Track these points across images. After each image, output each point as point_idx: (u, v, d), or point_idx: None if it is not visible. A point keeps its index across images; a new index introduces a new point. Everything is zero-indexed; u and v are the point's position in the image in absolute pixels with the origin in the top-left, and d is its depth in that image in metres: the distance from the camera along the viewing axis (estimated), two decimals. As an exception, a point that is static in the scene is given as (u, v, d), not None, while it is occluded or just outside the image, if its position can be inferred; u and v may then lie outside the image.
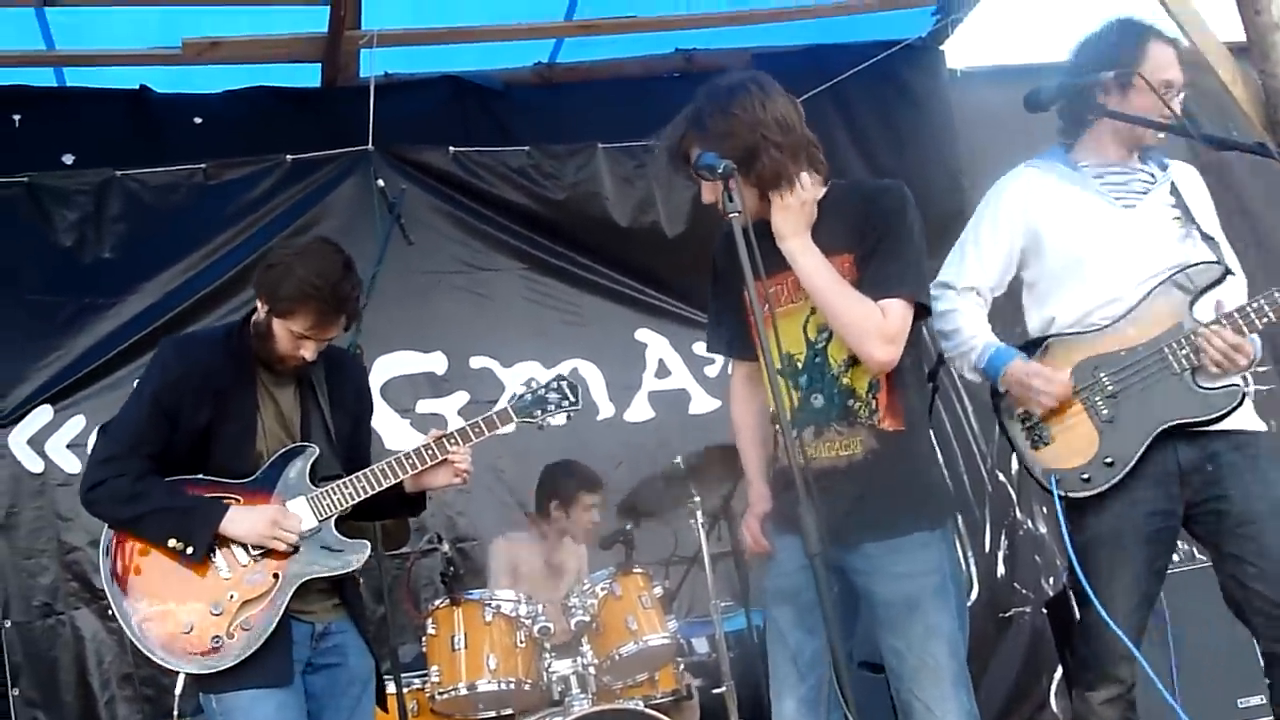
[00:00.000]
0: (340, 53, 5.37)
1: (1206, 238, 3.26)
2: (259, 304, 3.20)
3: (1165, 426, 3.08)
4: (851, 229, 2.89)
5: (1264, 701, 4.22)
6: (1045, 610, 5.39)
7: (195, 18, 5.08)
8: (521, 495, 5.36)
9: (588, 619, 4.35)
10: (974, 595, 5.77)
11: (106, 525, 3.18)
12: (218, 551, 3.13)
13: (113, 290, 5.00)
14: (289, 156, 5.42)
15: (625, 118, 5.80)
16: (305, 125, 5.57)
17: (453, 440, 3.32)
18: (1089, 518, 3.15)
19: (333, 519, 3.23)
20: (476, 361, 5.51)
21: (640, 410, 5.80)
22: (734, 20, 5.80)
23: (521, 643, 4.25)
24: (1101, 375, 3.15)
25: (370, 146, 5.43)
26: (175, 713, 4.36)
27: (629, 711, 4.22)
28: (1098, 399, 3.15)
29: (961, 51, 6.30)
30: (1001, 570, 5.92)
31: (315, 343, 3.19)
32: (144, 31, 5.17)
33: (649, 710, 4.21)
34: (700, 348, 5.84)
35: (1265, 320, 3.05)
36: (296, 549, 3.17)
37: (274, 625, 3.09)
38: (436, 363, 5.54)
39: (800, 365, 2.94)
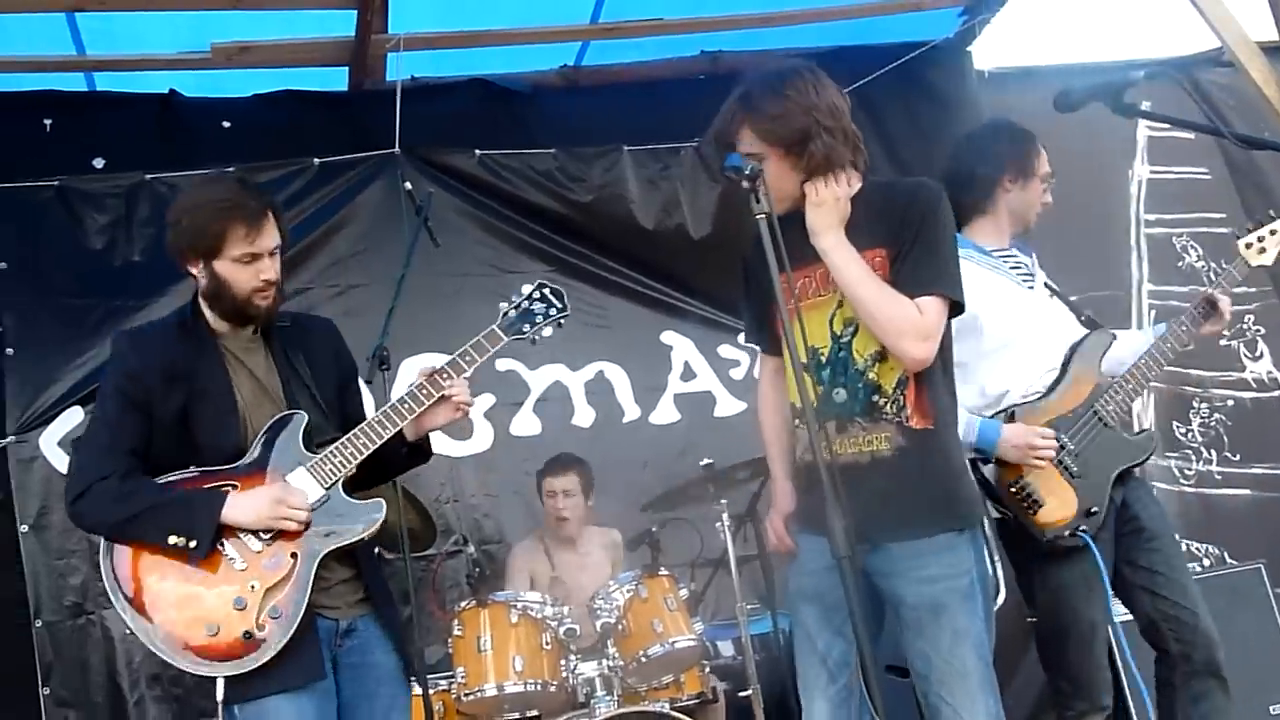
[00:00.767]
0: (368, 56, 5.39)
1: (1068, 303, 3.80)
2: (191, 271, 3.04)
3: (1120, 469, 3.56)
4: (885, 225, 2.89)
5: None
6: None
7: (224, 22, 5.10)
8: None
9: (613, 621, 4.36)
10: (1001, 598, 5.72)
11: (102, 539, 2.96)
12: (226, 543, 2.92)
13: (143, 293, 5.02)
14: (316, 160, 5.44)
15: (651, 120, 5.82)
16: (333, 128, 5.59)
17: (445, 375, 3.18)
18: (1062, 566, 3.52)
19: (339, 483, 3.03)
20: (502, 364, 5.50)
21: (666, 413, 5.79)
22: (760, 22, 5.78)
23: (547, 644, 4.26)
24: (1063, 437, 3.50)
25: (397, 149, 5.45)
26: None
27: (654, 714, 4.23)
28: (1066, 458, 3.50)
29: (989, 52, 6.28)
30: (1030, 573, 5.87)
31: (266, 259, 3.01)
32: (173, 36, 5.19)
33: (674, 713, 4.21)
34: (726, 350, 5.86)
35: (1154, 373, 3.69)
36: (308, 524, 2.97)
37: (304, 607, 2.90)
38: (464, 355, 5.54)
39: (824, 359, 2.93)
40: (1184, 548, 5.29)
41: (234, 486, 2.97)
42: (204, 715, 4.40)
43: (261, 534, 2.95)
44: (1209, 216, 6.54)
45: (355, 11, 5.04)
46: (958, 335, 3.33)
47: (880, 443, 2.86)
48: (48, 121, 5.24)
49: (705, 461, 4.70)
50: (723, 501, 4.65)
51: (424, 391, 3.15)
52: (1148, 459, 3.66)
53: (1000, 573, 5.71)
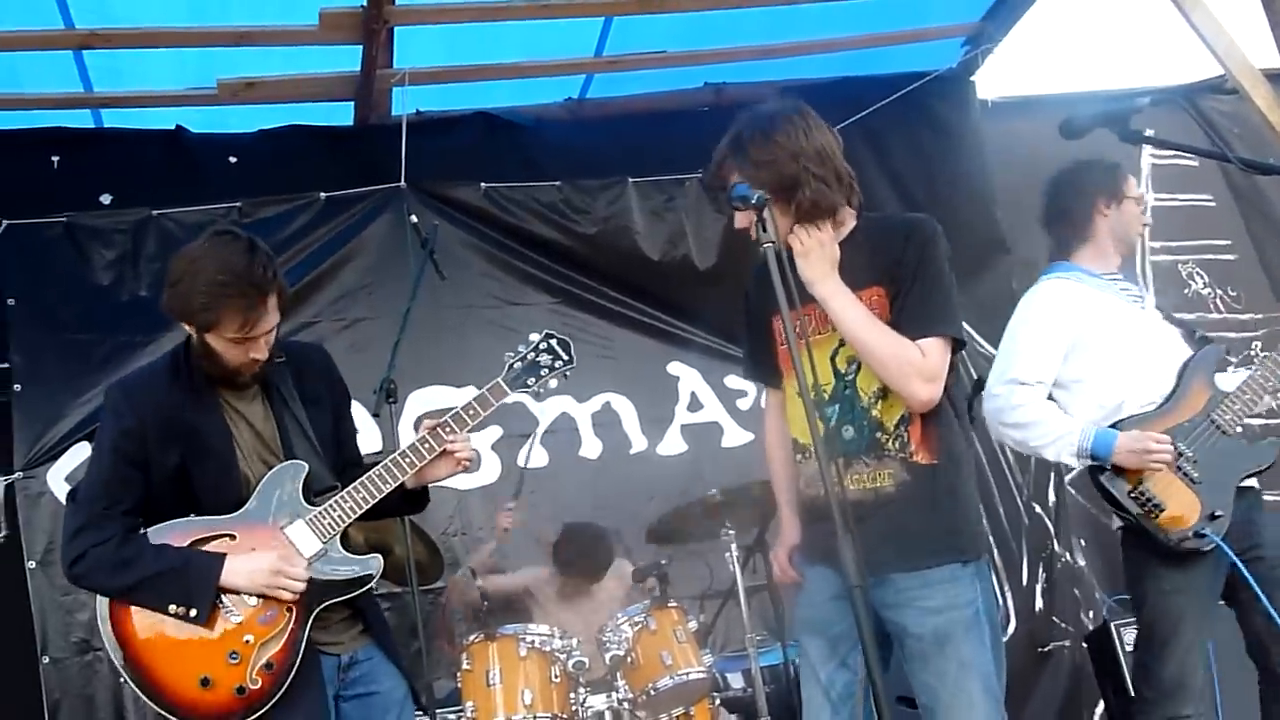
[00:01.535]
0: (373, 91, 5.42)
1: (1180, 325, 3.97)
2: (186, 327, 2.99)
3: (1243, 475, 3.62)
4: (882, 262, 2.89)
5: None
6: (1086, 644, 5.31)
7: (230, 58, 5.13)
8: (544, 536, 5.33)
9: (622, 653, 4.33)
10: (1011, 629, 5.70)
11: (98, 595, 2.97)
12: (222, 596, 2.92)
13: (149, 328, 5.02)
14: (323, 194, 5.46)
15: (655, 152, 5.83)
16: (339, 163, 5.62)
17: (448, 428, 3.14)
18: (1178, 572, 3.55)
19: (337, 537, 3.03)
20: (509, 397, 5.49)
21: (673, 444, 5.77)
22: (763, 54, 5.81)
23: (556, 677, 4.23)
24: (1180, 445, 3.58)
25: (403, 183, 5.48)
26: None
27: (664, 747, 4.19)
28: (1185, 465, 3.58)
29: (992, 82, 6.30)
30: (1040, 604, 5.84)
31: (259, 340, 2.95)
32: (180, 73, 5.24)
33: (684, 746, 4.18)
34: (732, 380, 5.84)
35: (1271, 383, 3.74)
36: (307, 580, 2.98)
37: (298, 661, 2.92)
38: (469, 397, 5.49)
39: (828, 396, 2.92)
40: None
41: (231, 537, 2.97)
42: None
43: None
44: (1214, 243, 6.54)
45: (361, 47, 5.08)
46: (1072, 352, 3.67)
47: (884, 479, 2.86)
48: (55, 158, 5.27)
49: (713, 492, 4.68)
50: (731, 532, 4.62)
51: (426, 445, 3.13)
52: (1270, 466, 3.70)
53: (1011, 604, 5.74)
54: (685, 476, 5.62)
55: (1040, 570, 5.87)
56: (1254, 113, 4.82)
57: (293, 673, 2.91)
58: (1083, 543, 5.93)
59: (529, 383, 3.36)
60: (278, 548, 2.99)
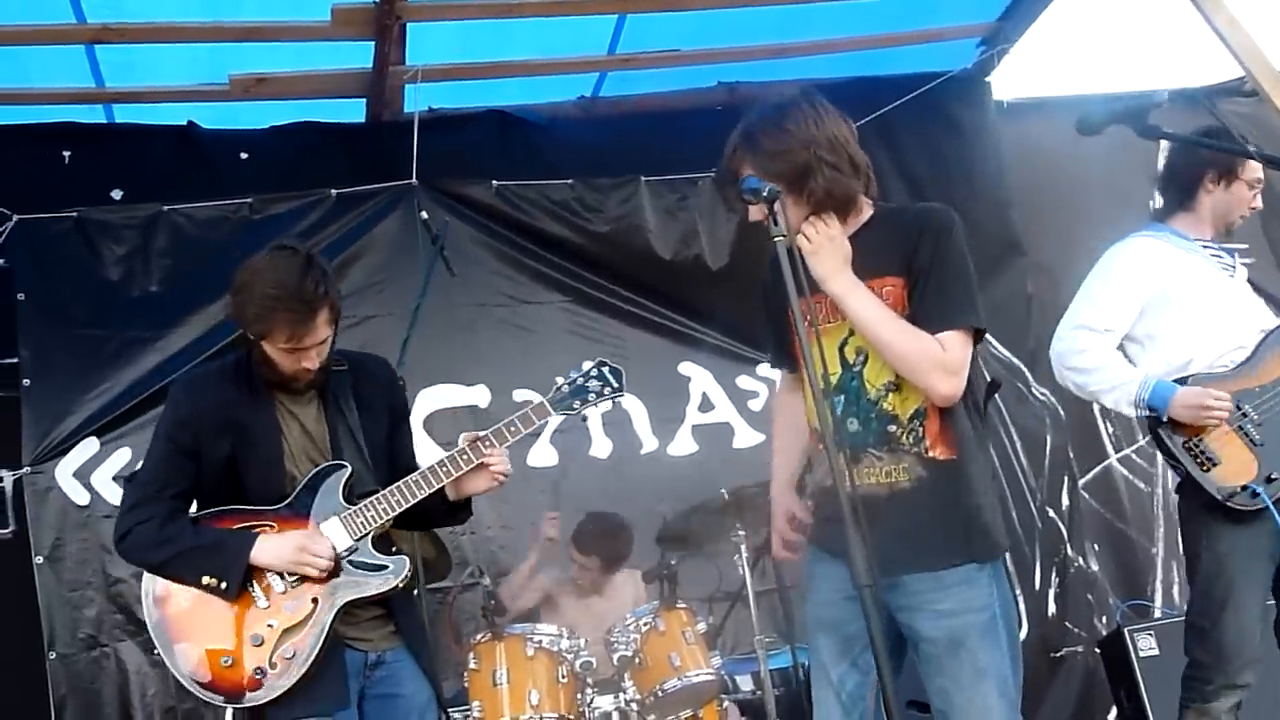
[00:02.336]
0: (385, 88, 5.41)
1: (1273, 299, 3.96)
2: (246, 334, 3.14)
3: None
4: (899, 253, 2.84)
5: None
6: (1099, 650, 5.27)
7: (242, 54, 5.13)
8: (566, 529, 5.31)
9: (630, 654, 4.31)
10: (1024, 633, 5.66)
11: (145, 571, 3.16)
12: (253, 582, 3.08)
13: (160, 323, 5.03)
14: (334, 191, 5.44)
15: (668, 151, 5.81)
16: (350, 160, 5.61)
17: (487, 443, 3.21)
18: (1232, 530, 3.55)
19: (369, 537, 3.15)
20: (520, 394, 5.47)
21: (684, 444, 5.75)
22: (777, 53, 5.79)
23: (564, 678, 4.21)
24: (1246, 407, 3.62)
25: (414, 180, 5.45)
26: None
27: (672, 749, 4.17)
28: (1249, 426, 3.61)
29: (1008, 83, 6.25)
30: (1053, 609, 5.80)
31: (310, 351, 3.09)
32: (192, 68, 5.23)
33: (692, 748, 4.15)
34: (744, 381, 5.83)
35: None
36: (335, 572, 3.10)
37: (318, 649, 3.03)
38: (479, 396, 5.52)
39: (835, 387, 2.88)
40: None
41: (271, 527, 3.13)
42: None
43: (287, 576, 3.09)
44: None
45: (373, 43, 5.07)
46: (1148, 309, 3.70)
47: (899, 474, 2.81)
48: (66, 153, 5.26)
49: (723, 493, 4.65)
50: (741, 534, 4.60)
51: (464, 457, 3.20)
52: None
53: (1023, 609, 5.70)
54: (695, 477, 5.57)
55: (1053, 575, 5.83)
56: (1273, 115, 4.78)
57: (311, 661, 3.02)
58: (1096, 548, 5.89)
59: (574, 405, 3.39)
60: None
